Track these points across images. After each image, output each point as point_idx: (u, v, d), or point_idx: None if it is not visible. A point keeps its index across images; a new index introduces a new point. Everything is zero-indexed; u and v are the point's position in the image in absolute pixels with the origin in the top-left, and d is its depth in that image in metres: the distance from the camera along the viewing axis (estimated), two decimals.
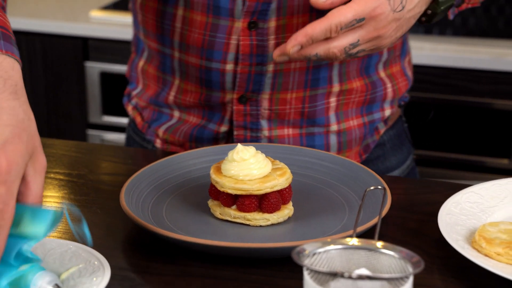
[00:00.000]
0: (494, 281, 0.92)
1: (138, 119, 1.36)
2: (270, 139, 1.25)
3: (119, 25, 2.42)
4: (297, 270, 0.91)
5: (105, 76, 2.47)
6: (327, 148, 1.27)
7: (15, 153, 0.81)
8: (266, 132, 1.25)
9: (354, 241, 0.80)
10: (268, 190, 1.02)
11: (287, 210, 1.04)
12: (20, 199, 0.84)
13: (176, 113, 1.30)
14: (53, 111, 2.55)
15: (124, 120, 2.51)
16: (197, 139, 1.28)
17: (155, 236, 0.98)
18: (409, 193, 1.15)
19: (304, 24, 1.16)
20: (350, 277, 0.73)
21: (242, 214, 1.03)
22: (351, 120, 1.28)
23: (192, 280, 0.93)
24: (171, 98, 1.29)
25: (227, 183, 1.02)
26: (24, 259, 0.84)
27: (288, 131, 1.26)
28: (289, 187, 1.05)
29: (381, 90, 1.29)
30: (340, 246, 0.80)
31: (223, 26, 1.18)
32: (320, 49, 1.05)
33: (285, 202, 1.05)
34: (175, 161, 1.15)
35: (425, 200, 1.12)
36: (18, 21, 2.47)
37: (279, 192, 1.04)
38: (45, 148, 1.28)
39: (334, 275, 0.75)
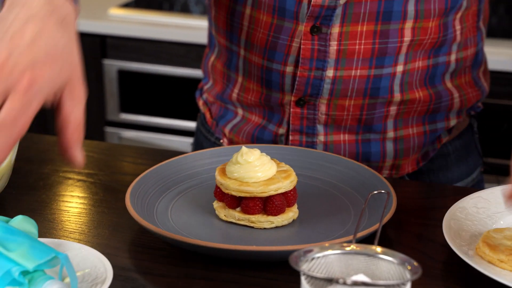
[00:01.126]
0: None
1: (208, 116, 1.36)
2: (326, 145, 1.23)
3: (138, 23, 2.43)
4: (298, 274, 0.91)
5: (123, 74, 2.48)
6: (383, 155, 1.24)
7: (42, 72, 0.81)
8: (322, 137, 1.23)
9: (353, 247, 0.80)
10: (272, 193, 1.02)
11: (292, 213, 1.04)
12: (60, 131, 0.84)
13: (240, 111, 1.30)
14: None
15: (141, 118, 2.52)
16: (258, 140, 1.27)
17: (159, 237, 0.98)
18: (417, 197, 1.14)
19: (368, 33, 1.15)
20: (345, 283, 0.73)
21: (247, 216, 1.03)
22: (410, 128, 1.24)
23: (194, 282, 0.93)
24: (234, 95, 1.28)
25: (231, 185, 1.02)
26: (11, 280, 0.84)
27: (344, 137, 1.23)
28: (294, 189, 1.04)
29: (447, 100, 1.25)
30: (338, 252, 0.79)
31: (287, 28, 1.17)
32: None
33: (290, 205, 1.04)
34: (181, 162, 1.15)
35: (433, 204, 1.12)
36: None
37: (284, 194, 1.03)
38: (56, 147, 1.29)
39: (330, 281, 0.75)
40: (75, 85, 0.86)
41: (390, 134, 1.24)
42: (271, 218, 1.03)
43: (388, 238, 1.03)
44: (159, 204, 1.08)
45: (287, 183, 1.03)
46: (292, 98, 1.21)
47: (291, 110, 1.22)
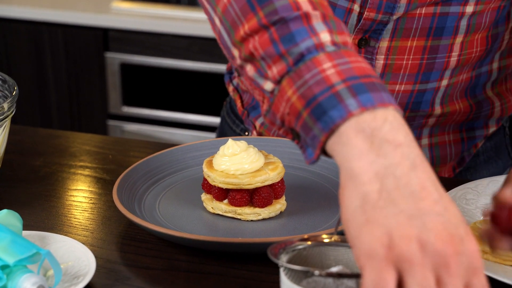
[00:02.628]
0: None
1: (239, 104, 1.31)
2: None
3: (140, 16, 2.43)
4: None
5: (126, 67, 2.48)
6: None
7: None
8: None
9: (333, 238, 0.79)
10: (259, 185, 1.02)
11: (279, 205, 1.04)
12: None
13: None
14: (75, 102, 2.57)
15: (143, 111, 2.52)
16: None
17: (145, 229, 0.98)
18: None
19: (418, 48, 1.10)
20: (320, 275, 0.72)
21: (233, 208, 1.02)
22: (446, 134, 1.21)
23: (178, 274, 0.93)
24: None
25: (218, 177, 1.02)
26: None
27: None
28: (282, 181, 1.04)
29: (487, 109, 1.21)
30: (318, 244, 0.79)
31: None
32: None
33: (277, 197, 1.04)
34: (170, 155, 1.15)
35: None
36: (41, 12, 2.49)
37: (271, 186, 1.03)
38: (56, 139, 1.29)
39: (306, 273, 0.74)
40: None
41: (425, 141, 1.19)
42: (258, 210, 1.02)
43: None
44: (147, 196, 1.08)
45: (274, 175, 1.02)
46: None
47: None
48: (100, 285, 0.91)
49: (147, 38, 2.44)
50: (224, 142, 1.07)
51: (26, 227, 1.01)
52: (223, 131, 1.38)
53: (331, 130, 0.71)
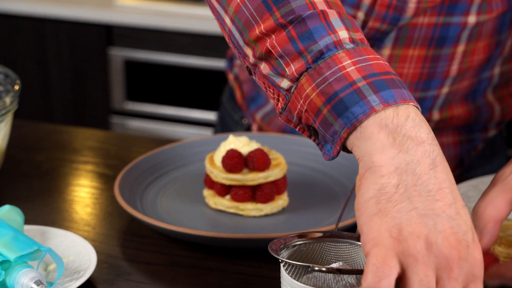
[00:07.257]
0: None
1: (238, 94, 1.31)
2: None
3: (144, 13, 2.43)
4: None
5: (129, 63, 2.48)
6: None
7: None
8: None
9: (334, 234, 0.79)
10: (262, 181, 1.01)
11: (281, 201, 1.04)
12: None
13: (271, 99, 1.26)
14: (78, 97, 2.57)
15: (147, 108, 2.52)
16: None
17: (146, 225, 0.98)
18: None
19: (419, 57, 1.10)
20: (320, 271, 0.72)
21: (236, 204, 1.02)
22: (444, 136, 1.20)
23: (179, 270, 0.93)
24: None
25: (220, 173, 1.02)
26: None
27: None
28: (284, 177, 1.04)
29: (486, 114, 1.20)
30: (318, 239, 0.79)
31: None
32: None
33: (279, 193, 1.04)
34: (172, 150, 1.15)
35: None
36: (45, 8, 2.49)
37: (274, 182, 1.03)
38: (59, 135, 1.29)
39: (307, 268, 0.74)
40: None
41: None
42: (260, 206, 1.02)
43: None
44: (149, 192, 1.08)
45: (277, 171, 1.02)
46: None
47: None
48: (100, 280, 0.91)
49: (151, 34, 2.43)
50: (224, 138, 1.07)
51: (27, 221, 1.01)
52: (223, 118, 1.36)
53: (353, 126, 0.71)
